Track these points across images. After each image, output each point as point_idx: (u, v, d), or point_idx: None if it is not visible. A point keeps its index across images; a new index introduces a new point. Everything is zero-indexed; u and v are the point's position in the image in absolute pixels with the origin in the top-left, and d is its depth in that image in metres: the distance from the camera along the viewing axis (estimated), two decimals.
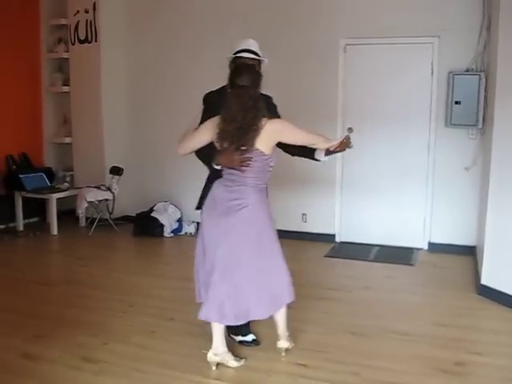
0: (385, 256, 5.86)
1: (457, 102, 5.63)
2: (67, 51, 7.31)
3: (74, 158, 7.41)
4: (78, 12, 7.07)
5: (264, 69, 3.47)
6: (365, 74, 6.10)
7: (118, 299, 4.56)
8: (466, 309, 4.39)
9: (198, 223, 6.60)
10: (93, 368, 3.36)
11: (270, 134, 3.11)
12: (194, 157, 3.51)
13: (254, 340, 3.70)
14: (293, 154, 3.47)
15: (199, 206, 3.65)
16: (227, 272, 3.21)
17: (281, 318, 3.46)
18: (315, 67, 6.22)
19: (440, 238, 5.98)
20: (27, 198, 6.88)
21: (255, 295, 3.25)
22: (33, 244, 6.57)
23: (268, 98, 3.50)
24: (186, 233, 6.82)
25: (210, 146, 3.26)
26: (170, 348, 3.67)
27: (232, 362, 3.36)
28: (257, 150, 3.12)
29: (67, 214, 7.20)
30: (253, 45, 3.57)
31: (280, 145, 3.31)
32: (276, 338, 3.55)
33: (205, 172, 3.58)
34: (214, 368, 3.34)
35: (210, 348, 3.35)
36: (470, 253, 5.66)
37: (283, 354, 3.50)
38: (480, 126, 5.55)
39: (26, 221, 7.07)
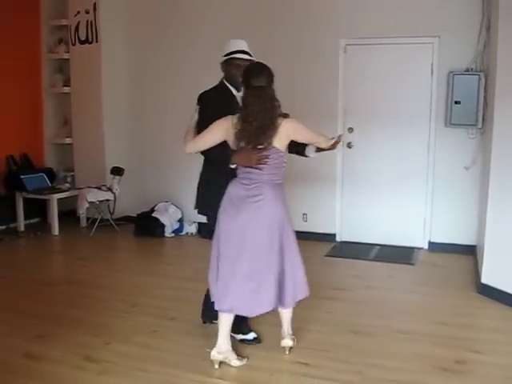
0: (385, 255, 5.87)
1: (457, 102, 5.64)
2: (68, 52, 7.32)
3: (74, 158, 7.43)
4: (78, 13, 7.08)
5: None
6: (365, 74, 6.12)
7: (119, 299, 4.58)
8: (467, 307, 4.41)
9: (199, 223, 6.68)
10: (95, 368, 3.38)
11: (285, 132, 3.21)
12: (195, 157, 3.52)
13: (255, 338, 3.72)
14: (290, 152, 3.51)
15: (202, 207, 3.68)
16: (249, 265, 3.25)
17: (287, 316, 3.50)
18: (315, 67, 6.23)
19: (440, 238, 6.00)
20: (28, 198, 6.89)
21: (274, 287, 3.26)
22: (34, 244, 6.58)
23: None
24: (187, 233, 6.84)
25: (223, 145, 3.30)
26: (172, 347, 3.69)
27: (234, 362, 3.38)
28: (274, 147, 3.21)
29: (68, 215, 7.21)
30: (244, 45, 3.64)
31: None
32: (278, 336, 3.58)
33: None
34: (216, 366, 3.35)
35: (214, 346, 3.37)
36: (470, 252, 5.68)
37: (287, 352, 3.52)
38: (480, 125, 5.57)
39: (27, 221, 7.08)
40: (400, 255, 5.85)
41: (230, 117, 3.25)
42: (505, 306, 4.31)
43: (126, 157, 7.20)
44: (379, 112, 6.10)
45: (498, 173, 4.44)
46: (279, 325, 3.60)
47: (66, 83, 7.42)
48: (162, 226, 6.72)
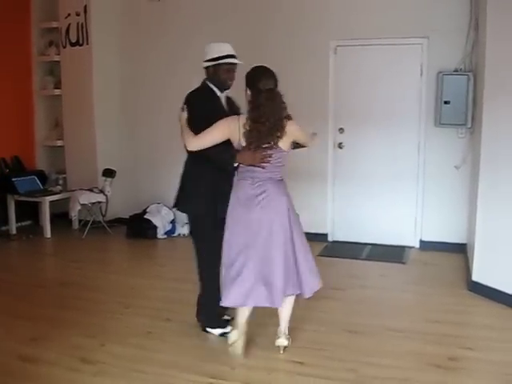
0: (377, 255, 5.92)
1: (446, 102, 5.70)
2: (58, 54, 7.30)
3: (66, 160, 7.40)
4: (69, 15, 7.06)
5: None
6: (355, 75, 6.17)
7: (114, 301, 4.59)
8: (458, 305, 4.46)
9: None
10: (91, 369, 3.39)
11: (289, 133, 3.38)
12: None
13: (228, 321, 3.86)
14: None
15: (187, 205, 3.76)
16: (265, 259, 3.36)
17: (285, 315, 3.55)
18: (306, 68, 6.26)
19: (431, 236, 6.06)
20: (20, 201, 6.86)
21: (284, 280, 3.37)
22: (26, 247, 6.57)
23: (231, 99, 3.74)
24: (180, 234, 6.84)
25: (224, 144, 3.40)
26: (168, 348, 3.71)
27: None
28: (279, 147, 3.36)
29: (60, 217, 7.19)
30: (231, 49, 3.72)
31: None
32: (273, 336, 3.62)
33: None
34: (234, 338, 3.41)
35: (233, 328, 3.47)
36: (461, 250, 5.74)
37: (281, 352, 3.56)
38: (469, 125, 5.63)
39: (19, 224, 7.05)
40: (392, 254, 5.90)
41: (235, 117, 3.39)
42: (495, 304, 4.36)
43: (117, 159, 7.19)
44: (369, 112, 6.15)
45: (487, 171, 4.50)
46: (274, 324, 3.64)
47: (57, 85, 7.40)
48: (155, 227, 6.72)
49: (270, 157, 3.34)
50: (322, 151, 6.31)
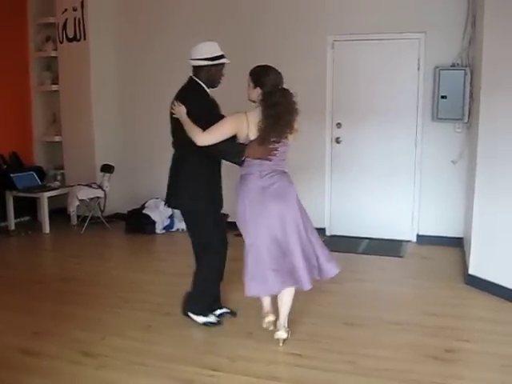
0: (375, 249, 5.96)
1: (443, 97, 5.73)
2: (56, 49, 7.31)
3: (64, 156, 7.43)
4: (65, 10, 7.06)
5: None
6: (353, 70, 6.20)
7: (113, 295, 4.62)
8: (455, 298, 4.51)
9: None
10: (93, 362, 3.43)
11: (295, 129, 3.60)
12: None
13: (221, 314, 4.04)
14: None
15: (186, 201, 3.79)
16: (284, 244, 3.53)
17: (285, 309, 3.61)
18: (303, 64, 6.28)
19: (428, 230, 6.10)
20: (18, 197, 6.88)
21: (310, 261, 3.59)
22: (25, 243, 6.58)
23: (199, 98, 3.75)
24: (178, 229, 6.86)
25: (230, 139, 3.51)
26: (167, 341, 3.75)
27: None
28: (287, 141, 3.57)
29: (58, 213, 7.21)
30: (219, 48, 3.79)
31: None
32: (272, 329, 3.66)
33: None
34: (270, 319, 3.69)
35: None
36: (458, 244, 5.79)
37: (280, 344, 3.59)
38: (466, 119, 5.67)
39: (18, 220, 7.06)
40: (389, 248, 5.95)
41: (242, 113, 3.49)
42: (492, 297, 4.41)
43: (115, 154, 7.21)
44: (367, 107, 6.18)
45: (484, 166, 4.54)
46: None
47: (55, 81, 7.41)
48: (153, 222, 6.74)
49: (276, 150, 3.50)
50: (320, 146, 6.35)
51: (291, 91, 3.54)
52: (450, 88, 5.67)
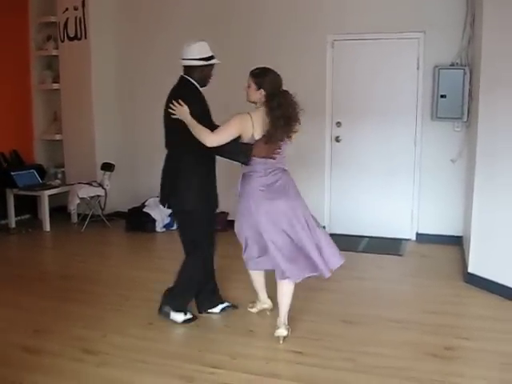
0: (374, 247, 5.99)
1: (442, 96, 5.75)
2: (56, 48, 7.32)
3: (64, 154, 7.44)
4: (66, 9, 7.07)
5: None
6: (352, 70, 6.21)
7: (114, 293, 4.64)
8: (454, 296, 4.53)
9: None
10: (94, 360, 3.45)
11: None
12: None
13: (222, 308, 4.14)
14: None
15: (185, 201, 3.82)
16: (295, 236, 3.64)
17: (285, 306, 3.66)
18: (303, 63, 6.30)
19: (427, 229, 6.12)
20: (19, 195, 6.89)
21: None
22: (26, 241, 6.60)
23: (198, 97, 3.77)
24: None
25: (235, 139, 3.58)
26: (168, 339, 3.79)
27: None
28: (288, 140, 3.69)
29: (58, 211, 7.23)
30: None
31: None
32: (271, 327, 3.70)
33: None
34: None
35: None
36: (457, 242, 5.81)
37: (281, 342, 3.62)
38: (465, 118, 5.69)
39: (18, 218, 7.08)
40: (388, 247, 5.97)
41: (247, 114, 3.56)
42: (491, 295, 4.43)
43: (116, 152, 7.23)
44: (366, 106, 6.19)
45: (483, 165, 4.56)
46: (273, 316, 3.71)
47: (56, 80, 7.42)
48: (153, 220, 6.76)
49: (280, 148, 3.63)
50: (320, 145, 6.37)
51: (291, 92, 3.63)
52: (450, 87, 5.69)
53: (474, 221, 4.68)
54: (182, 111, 3.62)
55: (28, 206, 7.24)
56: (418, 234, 6.20)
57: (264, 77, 3.65)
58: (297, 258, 3.61)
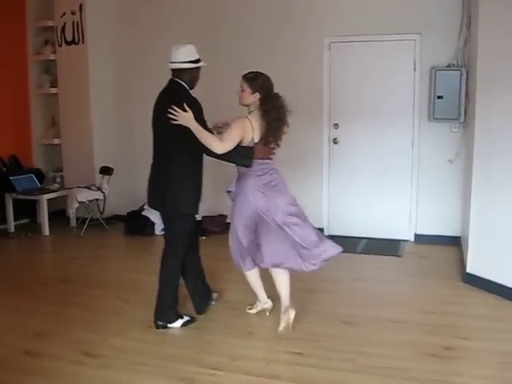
0: (373, 248, 6.00)
1: (439, 97, 5.78)
2: (54, 53, 7.33)
3: (63, 158, 7.45)
4: (64, 14, 7.09)
5: None
6: (349, 72, 6.24)
7: (114, 296, 4.65)
8: (453, 296, 4.54)
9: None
10: (95, 362, 3.46)
11: None
12: None
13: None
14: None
15: (181, 205, 3.83)
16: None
17: (285, 292, 3.85)
18: (300, 65, 6.32)
19: (426, 230, 6.14)
20: (17, 199, 6.89)
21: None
22: (25, 245, 6.60)
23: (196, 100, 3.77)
24: None
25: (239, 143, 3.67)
26: (168, 341, 3.79)
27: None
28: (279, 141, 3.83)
29: (57, 215, 7.24)
30: None
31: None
32: (271, 328, 3.75)
33: None
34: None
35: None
36: (455, 243, 5.83)
37: (291, 317, 3.80)
38: (462, 119, 5.71)
39: (17, 222, 7.08)
40: (387, 248, 5.98)
41: (245, 117, 3.66)
42: (490, 295, 4.45)
43: (114, 156, 7.24)
44: (364, 108, 6.22)
45: (480, 165, 4.57)
46: (272, 317, 3.73)
47: (53, 84, 7.44)
48: (152, 224, 6.75)
49: (275, 149, 3.80)
50: (317, 147, 6.39)
51: (281, 95, 3.76)
52: (446, 88, 5.71)
53: (471, 221, 4.70)
54: (187, 117, 3.58)
55: (27, 210, 7.25)
56: (416, 235, 6.21)
57: (258, 81, 3.74)
58: (286, 250, 3.78)
